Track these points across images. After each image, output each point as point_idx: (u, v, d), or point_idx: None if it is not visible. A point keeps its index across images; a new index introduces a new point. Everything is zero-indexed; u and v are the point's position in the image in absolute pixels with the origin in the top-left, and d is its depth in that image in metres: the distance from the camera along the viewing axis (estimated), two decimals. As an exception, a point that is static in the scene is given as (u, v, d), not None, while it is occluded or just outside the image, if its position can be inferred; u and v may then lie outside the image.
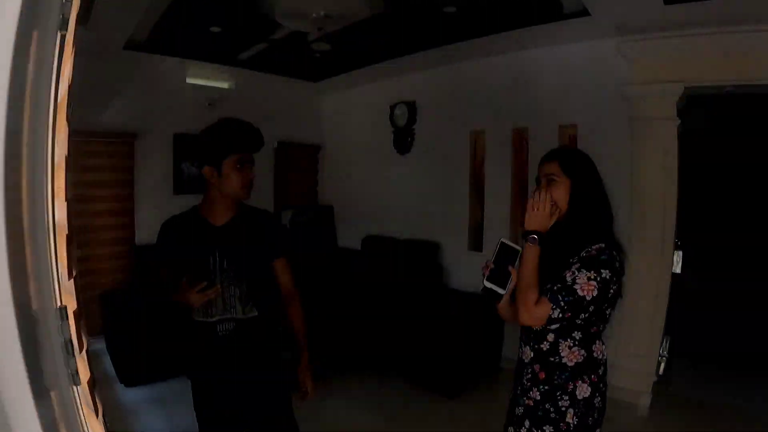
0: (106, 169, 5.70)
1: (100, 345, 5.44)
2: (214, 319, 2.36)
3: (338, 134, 7.87)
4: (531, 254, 1.95)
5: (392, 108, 6.80)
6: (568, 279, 1.87)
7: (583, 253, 1.94)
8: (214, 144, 2.34)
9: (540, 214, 1.97)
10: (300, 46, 5.49)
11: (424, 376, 5.10)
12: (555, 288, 1.88)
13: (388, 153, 6.90)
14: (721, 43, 4.31)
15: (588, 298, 1.84)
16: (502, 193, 5.72)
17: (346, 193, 7.73)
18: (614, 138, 4.88)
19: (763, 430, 4.39)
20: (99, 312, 5.49)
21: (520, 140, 5.67)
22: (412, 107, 6.59)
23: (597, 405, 2.01)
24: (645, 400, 4.75)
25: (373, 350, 5.54)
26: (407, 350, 5.20)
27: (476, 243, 6.10)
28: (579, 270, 1.88)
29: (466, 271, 6.05)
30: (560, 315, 1.85)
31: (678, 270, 5.41)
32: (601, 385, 2.03)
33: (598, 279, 1.85)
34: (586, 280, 1.84)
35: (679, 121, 4.63)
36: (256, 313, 2.43)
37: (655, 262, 4.74)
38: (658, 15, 4.10)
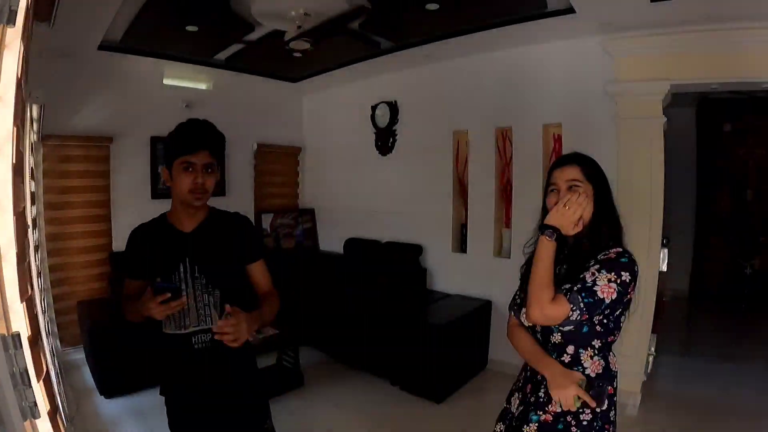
0: (81, 174, 5.54)
1: (79, 355, 5.33)
2: (188, 331, 2.24)
3: (319, 135, 7.76)
4: (547, 249, 1.85)
5: (373, 108, 6.72)
6: (588, 280, 1.80)
7: (601, 256, 1.87)
8: (167, 145, 2.27)
9: (568, 215, 1.85)
10: (279, 45, 5.36)
11: (411, 380, 5.03)
12: (575, 288, 1.80)
13: (370, 154, 6.82)
14: (707, 41, 4.32)
15: (607, 301, 1.78)
16: (485, 193, 5.67)
17: (328, 195, 7.65)
18: (599, 137, 4.84)
19: (751, 422, 4.44)
20: (77, 321, 5.35)
21: (503, 140, 5.62)
22: (393, 107, 6.51)
23: (612, 419, 1.94)
24: (635, 400, 4.76)
25: (359, 354, 5.50)
26: (392, 354, 5.13)
27: (460, 244, 6.05)
28: (599, 271, 1.81)
29: (451, 273, 6.03)
30: (578, 317, 1.78)
31: (664, 268, 5.39)
32: (616, 398, 1.96)
33: (618, 281, 1.79)
34: (606, 282, 1.78)
35: (666, 119, 4.63)
36: None
37: (641, 260, 4.65)
38: (644, 13, 4.07)
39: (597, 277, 1.79)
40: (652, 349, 5.47)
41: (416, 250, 6.17)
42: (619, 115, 4.72)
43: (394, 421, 4.54)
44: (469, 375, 5.37)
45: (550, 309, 1.79)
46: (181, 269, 2.22)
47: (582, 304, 1.76)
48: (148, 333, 2.34)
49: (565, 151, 5.07)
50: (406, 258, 6.16)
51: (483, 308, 5.50)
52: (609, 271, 1.80)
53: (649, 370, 5.11)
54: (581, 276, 1.83)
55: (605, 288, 1.77)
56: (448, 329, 4.88)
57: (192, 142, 2.17)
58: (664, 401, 4.92)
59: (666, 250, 5.45)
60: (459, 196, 6.03)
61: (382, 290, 5.98)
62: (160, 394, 2.37)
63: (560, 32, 4.82)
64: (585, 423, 1.88)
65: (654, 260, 4.75)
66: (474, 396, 5.04)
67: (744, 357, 6.11)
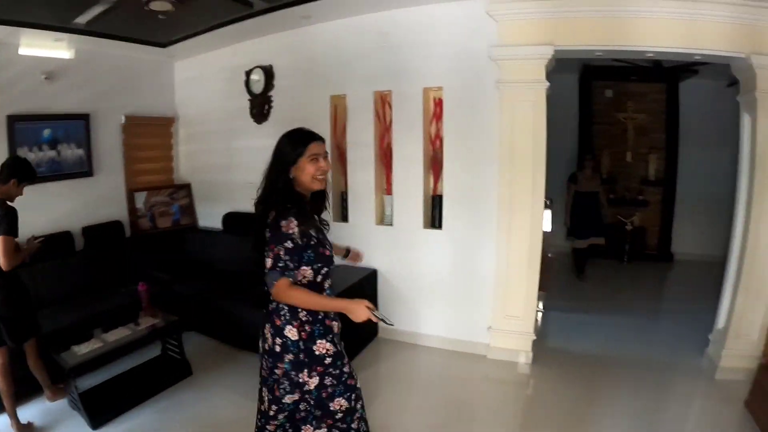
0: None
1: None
2: None
3: (193, 104, 7.19)
4: None
5: (248, 73, 6.31)
6: None
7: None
8: (26, 172, 3.92)
9: None
10: (142, 6, 4.83)
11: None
12: None
13: (245, 122, 6.44)
14: (592, 7, 4.37)
15: None
16: (365, 160, 5.52)
17: (204, 168, 7.19)
18: (482, 100, 4.86)
19: (635, 371, 4.76)
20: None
21: (383, 104, 5.48)
22: (269, 72, 6.13)
23: (318, 354, 2.44)
24: (526, 358, 4.93)
25: (245, 335, 5.19)
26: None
27: (341, 213, 5.87)
28: None
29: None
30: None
31: (548, 228, 5.47)
32: (308, 327, 2.44)
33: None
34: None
35: (548, 84, 4.63)
36: None
37: (525, 222, 4.79)
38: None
39: None
40: (540, 305, 5.61)
41: (297, 221, 5.88)
42: (502, 79, 4.69)
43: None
44: (361, 345, 5.31)
45: None
46: None
47: None
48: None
49: (446, 114, 5.08)
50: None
51: (369, 277, 5.42)
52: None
53: (538, 326, 5.23)
54: None
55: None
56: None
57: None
58: (554, 357, 5.12)
59: (549, 211, 5.55)
60: (338, 164, 5.79)
61: (263, 266, 5.71)
62: None
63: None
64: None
65: (537, 221, 4.80)
66: (368, 366, 5.00)
67: (626, 309, 6.46)
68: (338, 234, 5.63)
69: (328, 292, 2.57)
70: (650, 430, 3.89)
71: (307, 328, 2.43)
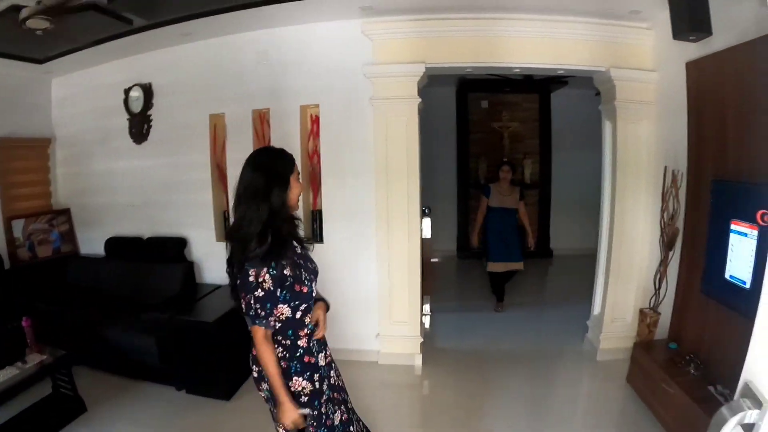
0: None
1: None
2: None
3: (71, 124, 6.82)
4: None
5: (127, 92, 6.17)
6: None
7: None
8: None
9: None
10: (17, 21, 4.65)
11: (195, 382, 4.82)
12: None
13: (124, 143, 6.26)
14: (462, 28, 4.73)
15: None
16: (245, 177, 5.51)
17: (84, 191, 6.82)
18: (358, 117, 5.09)
19: (517, 363, 5.19)
20: None
21: (261, 122, 5.57)
22: (148, 90, 6.04)
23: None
24: (418, 361, 5.16)
25: (137, 364, 5.10)
26: (171, 359, 4.86)
27: (224, 233, 5.77)
28: None
29: (218, 264, 5.72)
30: None
31: (427, 235, 5.70)
32: (284, 363, 2.34)
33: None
34: None
35: (420, 100, 4.92)
36: None
37: (403, 231, 5.06)
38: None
39: None
40: (426, 308, 5.84)
41: (180, 243, 5.91)
42: (375, 96, 4.93)
43: (189, 428, 4.32)
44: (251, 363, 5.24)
45: None
46: None
47: None
48: None
49: (323, 131, 5.25)
50: (171, 252, 5.86)
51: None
52: None
53: (427, 327, 5.46)
54: None
55: None
56: (222, 323, 4.65)
57: None
58: (445, 356, 5.44)
59: (428, 219, 5.79)
60: (219, 183, 5.84)
61: (150, 291, 5.64)
62: None
63: (321, 14, 4.89)
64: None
65: (414, 230, 5.06)
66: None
67: (511, 305, 6.91)
68: (223, 255, 5.71)
69: (310, 327, 2.46)
70: (543, 414, 4.29)
71: (282, 364, 2.32)
